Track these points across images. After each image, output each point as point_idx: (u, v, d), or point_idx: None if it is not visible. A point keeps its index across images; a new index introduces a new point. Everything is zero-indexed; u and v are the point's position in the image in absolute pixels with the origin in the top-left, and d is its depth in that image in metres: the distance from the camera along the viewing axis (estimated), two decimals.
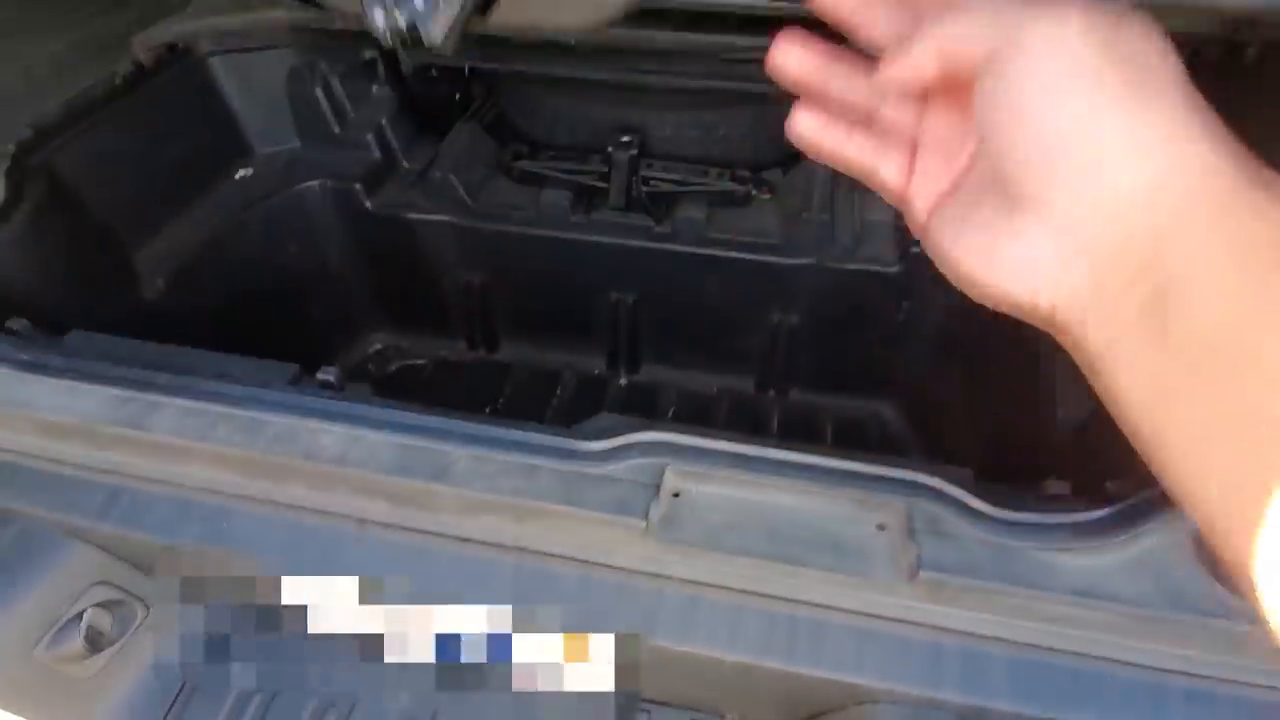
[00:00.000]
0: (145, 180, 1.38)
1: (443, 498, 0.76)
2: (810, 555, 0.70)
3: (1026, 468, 1.20)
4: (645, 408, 1.73)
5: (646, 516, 0.72)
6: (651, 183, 1.50)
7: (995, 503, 0.72)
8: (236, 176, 1.56)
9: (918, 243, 0.48)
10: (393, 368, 1.85)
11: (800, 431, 1.68)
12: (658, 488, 0.74)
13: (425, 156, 1.63)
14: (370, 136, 1.60)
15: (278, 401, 0.81)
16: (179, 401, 0.82)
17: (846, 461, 0.75)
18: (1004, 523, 0.71)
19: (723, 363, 1.72)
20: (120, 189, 1.33)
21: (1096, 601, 0.66)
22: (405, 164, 1.65)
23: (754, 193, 1.51)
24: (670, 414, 1.72)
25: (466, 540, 0.75)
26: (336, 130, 1.60)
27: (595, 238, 1.51)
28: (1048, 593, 0.67)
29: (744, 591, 0.71)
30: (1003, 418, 1.32)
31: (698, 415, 1.71)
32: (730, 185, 1.49)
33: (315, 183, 1.56)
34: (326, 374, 0.88)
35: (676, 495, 0.74)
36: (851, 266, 1.42)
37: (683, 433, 0.78)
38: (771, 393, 1.73)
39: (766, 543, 0.71)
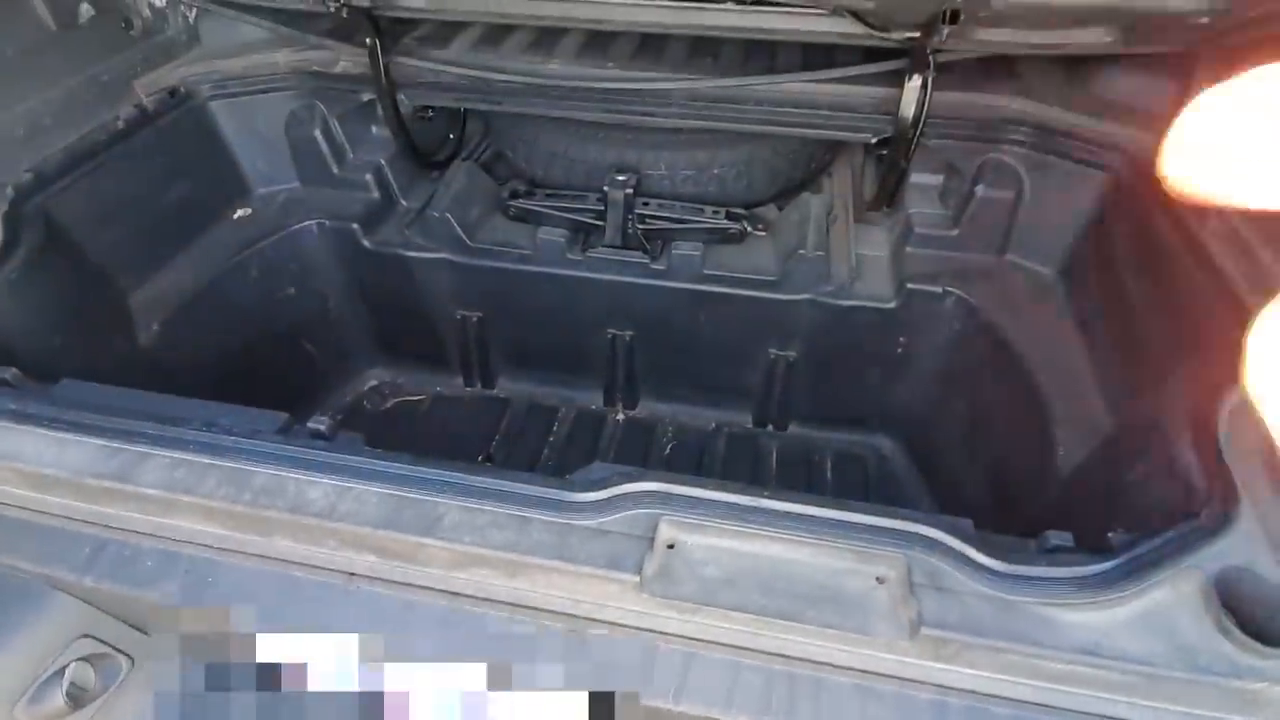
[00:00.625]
0: (144, 222, 1.39)
1: (432, 551, 0.74)
2: (808, 610, 0.68)
3: (1027, 507, 1.18)
4: (643, 443, 1.72)
5: (640, 570, 0.71)
6: (647, 220, 1.50)
7: (996, 555, 0.70)
8: (235, 216, 1.57)
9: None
10: (389, 404, 1.84)
11: (799, 466, 1.66)
12: (651, 540, 0.73)
13: (424, 195, 1.64)
14: (369, 176, 1.61)
15: (266, 453, 0.80)
16: (167, 453, 0.81)
17: (843, 512, 0.74)
18: (1006, 576, 0.69)
19: (720, 398, 1.71)
20: (119, 232, 1.33)
21: (1103, 659, 0.65)
22: (404, 203, 1.66)
23: (749, 229, 1.52)
24: (668, 450, 1.71)
25: (456, 594, 0.74)
26: (335, 171, 1.61)
27: (592, 275, 1.51)
28: (1052, 650, 0.65)
29: (741, 648, 0.69)
30: (1002, 455, 1.30)
31: (695, 451, 1.70)
32: (725, 222, 1.49)
33: (313, 222, 1.57)
34: (318, 423, 0.87)
35: (671, 547, 0.73)
36: (848, 302, 1.42)
37: (676, 482, 0.77)
38: (770, 427, 1.71)
39: (763, 597, 0.69)
